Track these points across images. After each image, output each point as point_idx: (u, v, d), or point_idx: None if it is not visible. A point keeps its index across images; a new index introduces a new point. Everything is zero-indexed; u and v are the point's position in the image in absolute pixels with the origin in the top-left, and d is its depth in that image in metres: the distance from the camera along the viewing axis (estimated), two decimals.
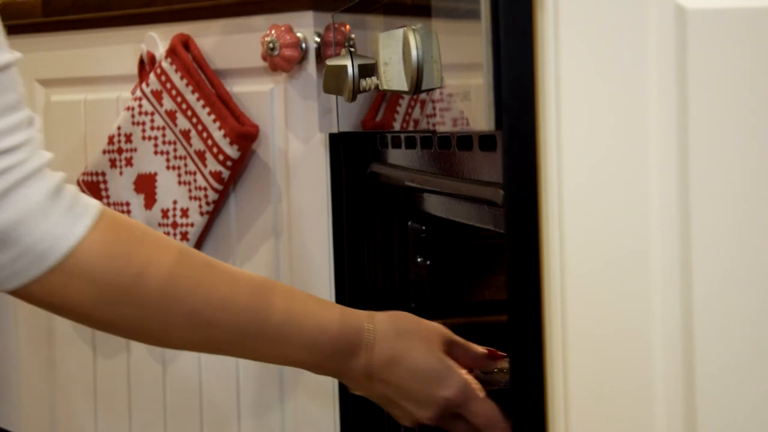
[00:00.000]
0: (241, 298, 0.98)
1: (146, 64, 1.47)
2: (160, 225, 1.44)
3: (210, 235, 1.45)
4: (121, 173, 1.48)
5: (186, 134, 1.41)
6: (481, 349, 1.08)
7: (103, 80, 1.57)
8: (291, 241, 1.38)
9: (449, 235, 1.27)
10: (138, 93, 1.46)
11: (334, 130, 1.24)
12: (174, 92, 1.42)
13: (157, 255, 0.95)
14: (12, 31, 1.67)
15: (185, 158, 1.42)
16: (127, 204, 1.48)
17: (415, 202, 1.17)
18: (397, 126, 1.07)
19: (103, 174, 1.50)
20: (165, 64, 1.42)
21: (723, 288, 0.78)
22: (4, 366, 1.79)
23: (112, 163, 1.49)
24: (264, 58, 1.33)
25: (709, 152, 0.77)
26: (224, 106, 1.39)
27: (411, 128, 1.03)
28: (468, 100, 0.85)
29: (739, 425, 0.78)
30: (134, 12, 1.50)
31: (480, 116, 0.81)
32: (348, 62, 1.09)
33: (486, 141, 0.90)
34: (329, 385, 1.35)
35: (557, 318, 0.78)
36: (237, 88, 1.41)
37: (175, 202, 1.43)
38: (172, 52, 1.42)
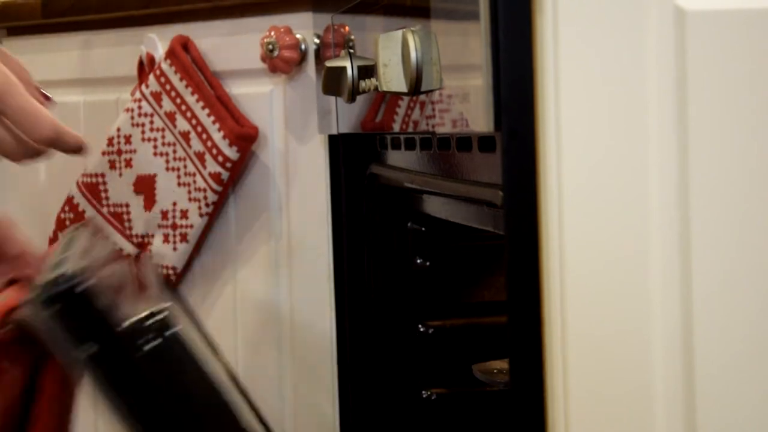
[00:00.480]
0: None
1: (145, 66, 1.47)
2: (159, 226, 1.44)
3: (209, 237, 1.45)
4: (120, 174, 1.48)
5: (185, 135, 1.41)
6: (29, 78, 0.95)
7: (103, 82, 1.57)
8: (290, 243, 1.38)
9: (449, 236, 1.27)
10: (137, 95, 1.46)
11: (334, 132, 1.24)
12: (173, 94, 1.42)
13: None
14: (11, 32, 1.68)
15: (185, 159, 1.42)
16: (127, 205, 1.48)
17: (415, 204, 1.17)
18: (396, 127, 1.07)
19: (103, 175, 1.50)
20: (164, 66, 1.42)
21: (723, 288, 0.78)
22: None
23: (112, 165, 1.49)
24: (263, 60, 1.33)
25: (709, 152, 0.77)
26: (223, 107, 1.39)
27: (410, 129, 1.03)
28: (467, 102, 0.85)
29: (739, 425, 0.78)
30: (133, 14, 1.50)
31: (479, 117, 0.81)
32: (347, 63, 1.09)
33: (485, 142, 0.90)
34: (329, 383, 1.35)
35: (557, 319, 0.78)
36: (236, 89, 1.41)
37: (174, 204, 1.43)
38: (171, 54, 1.42)
